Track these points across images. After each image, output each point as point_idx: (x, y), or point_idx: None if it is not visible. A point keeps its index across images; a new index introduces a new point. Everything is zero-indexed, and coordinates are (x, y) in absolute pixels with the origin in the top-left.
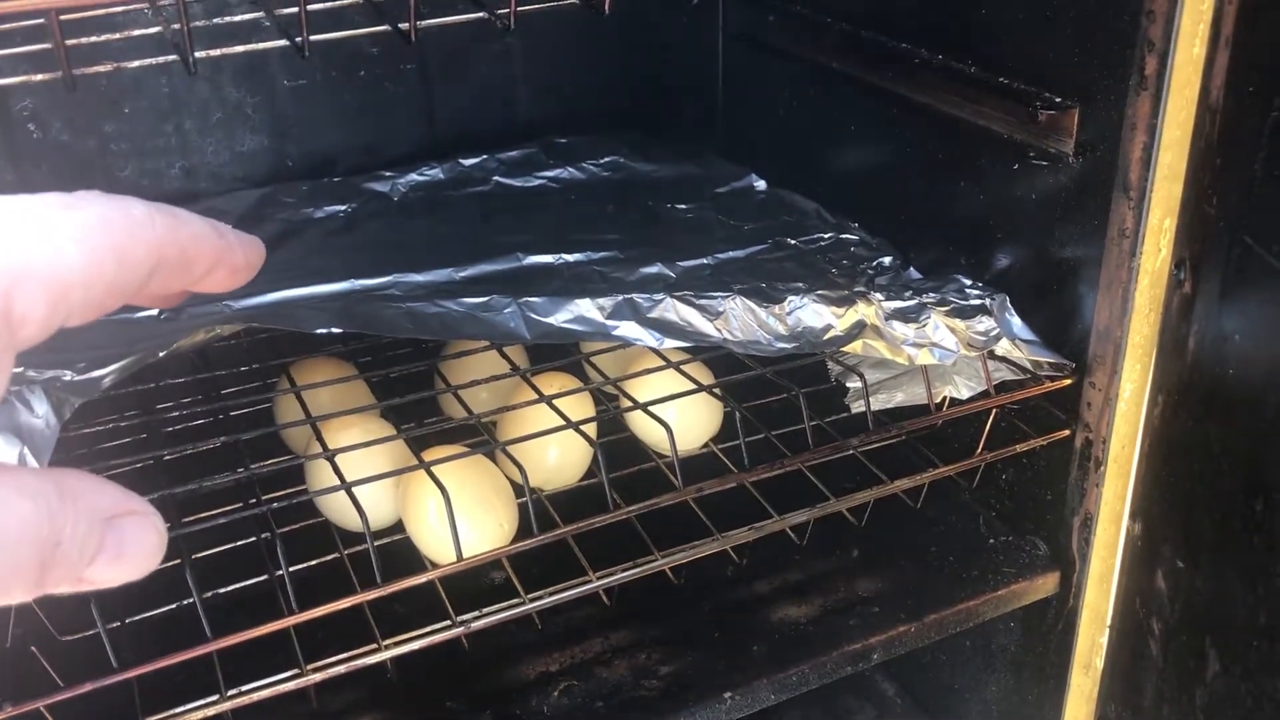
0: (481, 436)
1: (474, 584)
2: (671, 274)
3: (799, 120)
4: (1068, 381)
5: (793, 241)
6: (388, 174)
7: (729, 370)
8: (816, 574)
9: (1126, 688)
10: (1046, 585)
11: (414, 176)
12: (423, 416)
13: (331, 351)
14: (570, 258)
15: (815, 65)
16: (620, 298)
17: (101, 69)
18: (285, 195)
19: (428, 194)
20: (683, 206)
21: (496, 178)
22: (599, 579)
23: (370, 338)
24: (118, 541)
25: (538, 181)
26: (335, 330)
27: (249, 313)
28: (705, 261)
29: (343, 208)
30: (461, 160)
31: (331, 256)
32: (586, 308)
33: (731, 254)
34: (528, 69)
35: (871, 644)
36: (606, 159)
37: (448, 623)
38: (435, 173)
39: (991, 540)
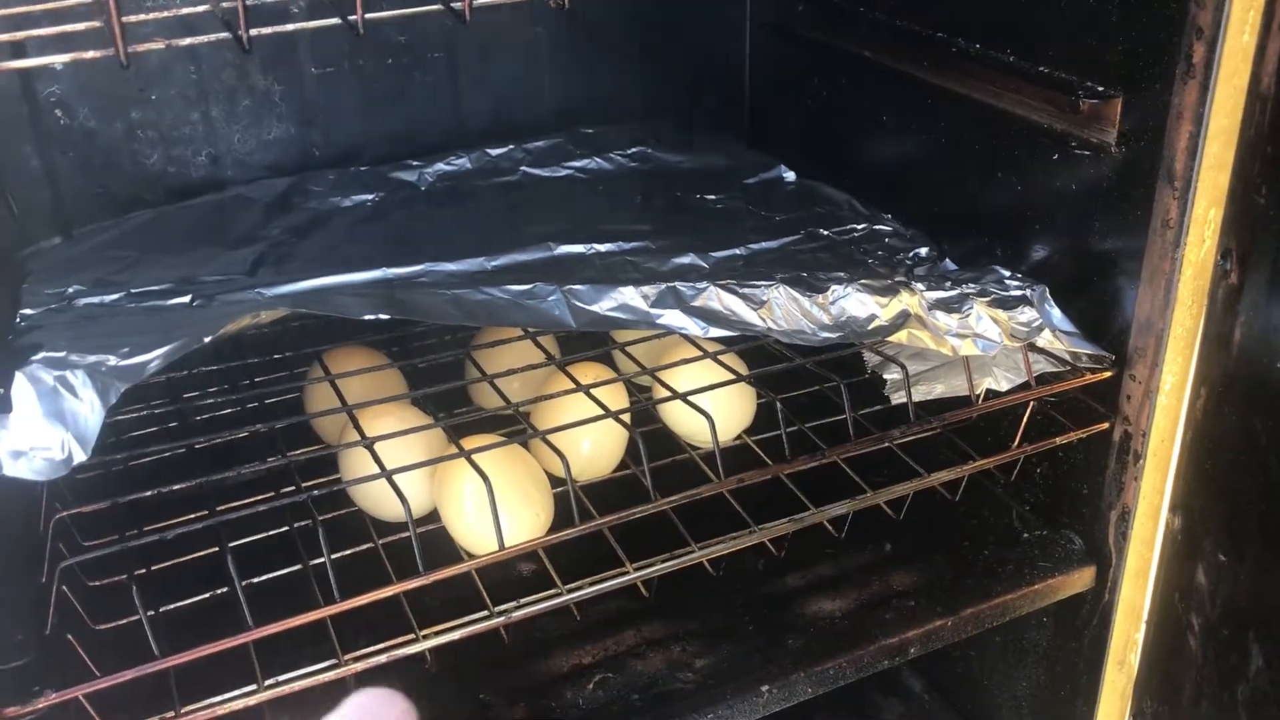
0: (512, 427)
1: (503, 575)
2: (704, 264)
3: (828, 110)
4: (1108, 374)
5: (825, 232)
6: (415, 163)
7: (760, 362)
8: (849, 567)
9: (1164, 684)
10: (1083, 579)
11: (441, 166)
12: (451, 406)
13: (362, 340)
14: (601, 248)
15: (847, 54)
16: (664, 285)
17: (154, 46)
18: (312, 184)
19: (455, 184)
20: (712, 197)
21: (524, 168)
22: (637, 571)
23: (400, 326)
24: None
25: (565, 172)
26: (383, 317)
27: (294, 299)
28: (738, 252)
29: (370, 196)
30: (489, 150)
31: (360, 245)
32: (630, 296)
33: (764, 244)
34: (554, 59)
35: (908, 638)
36: (634, 149)
37: (486, 613)
38: (463, 162)
39: (1025, 534)
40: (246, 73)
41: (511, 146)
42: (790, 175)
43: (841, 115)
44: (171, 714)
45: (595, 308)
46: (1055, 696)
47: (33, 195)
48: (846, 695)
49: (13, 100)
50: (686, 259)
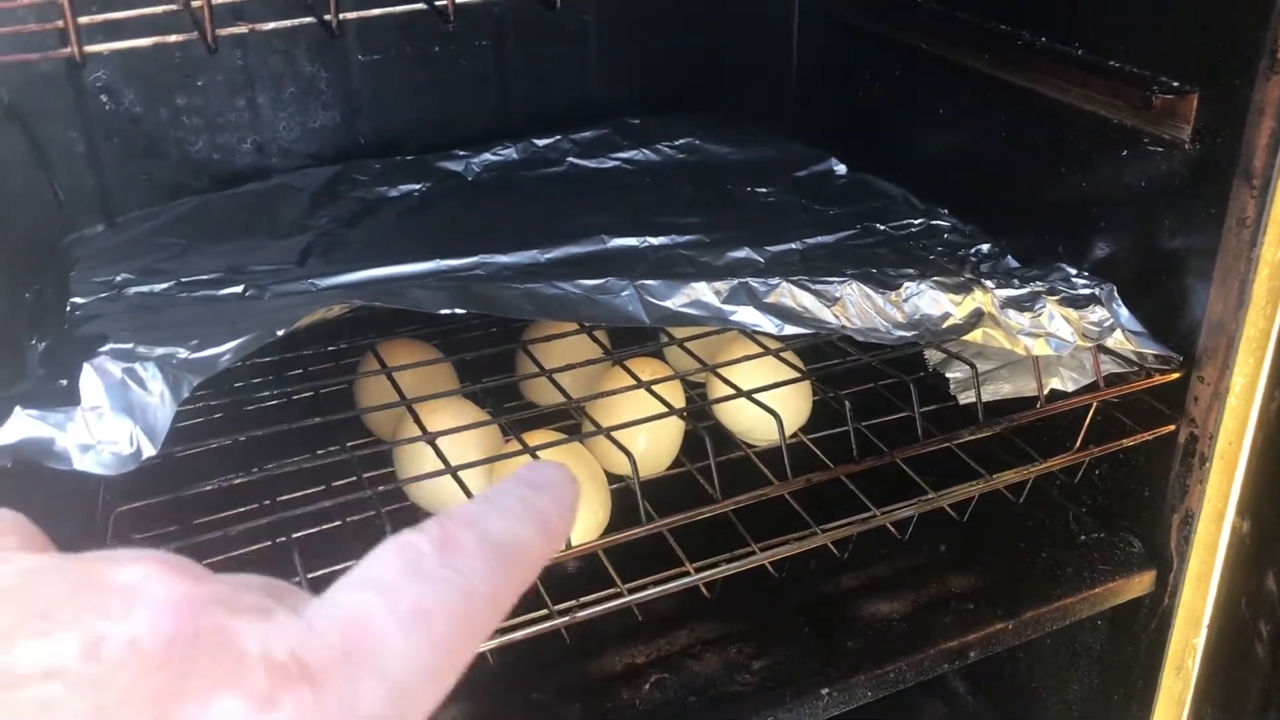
0: (563, 422)
1: (550, 571)
2: (759, 259)
3: (881, 102)
4: (1175, 375)
5: (882, 227)
6: (461, 153)
7: (816, 359)
8: (904, 569)
9: (1227, 691)
10: (1143, 583)
11: (488, 156)
12: (499, 399)
13: (414, 333)
14: (655, 241)
15: (901, 45)
16: (735, 281)
17: (238, 30)
18: (358, 173)
19: (502, 174)
20: (763, 190)
21: (570, 159)
22: (699, 572)
23: (446, 318)
24: None
25: (612, 163)
26: (459, 311)
27: (366, 291)
28: (793, 246)
29: (417, 186)
30: (535, 140)
31: (410, 236)
32: (703, 291)
33: (820, 239)
34: (601, 47)
35: (969, 641)
36: (681, 140)
37: (546, 612)
38: (509, 153)
39: (1083, 537)
40: (294, 59)
41: (558, 137)
42: (841, 168)
43: (894, 107)
44: None
45: (668, 303)
46: (1108, 701)
47: (77, 181)
48: (887, 695)
49: (59, 85)
50: (741, 253)
